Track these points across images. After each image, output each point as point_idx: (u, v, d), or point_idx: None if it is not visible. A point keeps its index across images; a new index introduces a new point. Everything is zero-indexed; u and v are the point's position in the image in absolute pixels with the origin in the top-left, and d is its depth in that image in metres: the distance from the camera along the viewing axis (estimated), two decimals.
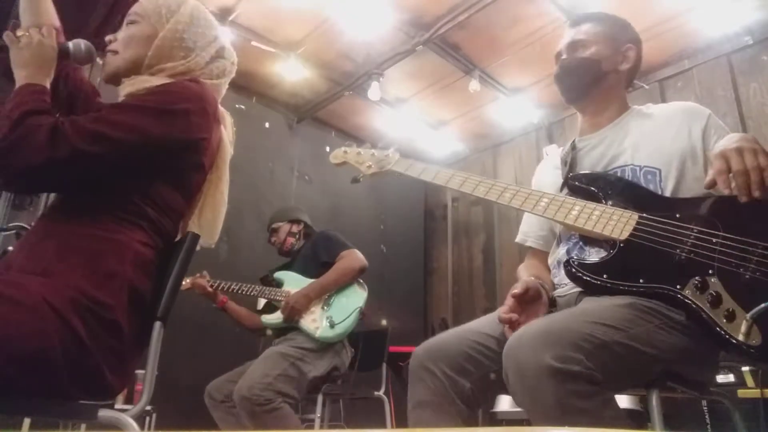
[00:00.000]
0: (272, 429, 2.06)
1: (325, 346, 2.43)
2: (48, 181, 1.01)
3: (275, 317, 2.51)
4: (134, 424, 0.91)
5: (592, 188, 1.22)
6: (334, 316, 2.47)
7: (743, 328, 0.93)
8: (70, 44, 1.17)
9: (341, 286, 2.60)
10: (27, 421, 1.74)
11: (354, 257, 2.64)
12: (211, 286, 2.68)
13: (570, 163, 1.33)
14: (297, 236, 2.87)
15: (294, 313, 2.45)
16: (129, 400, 2.53)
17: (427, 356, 1.13)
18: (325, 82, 4.23)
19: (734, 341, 0.94)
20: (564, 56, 1.37)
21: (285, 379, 2.26)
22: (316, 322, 2.45)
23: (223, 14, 3.34)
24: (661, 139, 1.24)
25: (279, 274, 2.74)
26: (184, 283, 2.61)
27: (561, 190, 1.29)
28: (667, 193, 1.18)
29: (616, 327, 0.96)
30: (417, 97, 4.41)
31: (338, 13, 3.40)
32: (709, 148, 1.19)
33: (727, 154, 1.02)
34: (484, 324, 1.18)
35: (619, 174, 1.24)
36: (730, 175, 1.01)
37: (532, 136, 4.66)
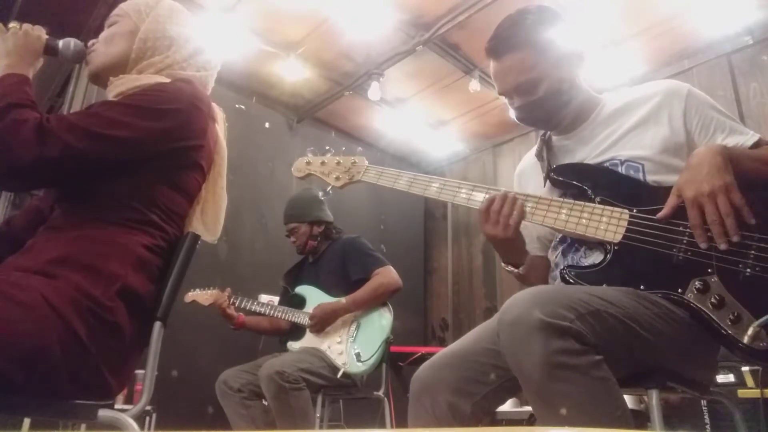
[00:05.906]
0: (294, 407, 2.13)
1: None
2: (40, 179, 1.00)
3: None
4: (134, 424, 0.91)
5: (576, 182, 1.19)
6: (362, 350, 2.39)
7: (750, 331, 0.93)
8: (60, 42, 1.17)
9: (371, 307, 2.49)
10: (27, 421, 1.74)
11: (390, 276, 2.51)
12: (232, 303, 2.55)
13: (547, 158, 1.30)
14: (318, 238, 2.69)
15: (320, 327, 2.43)
16: (129, 400, 2.53)
17: (429, 382, 1.13)
18: (325, 82, 4.22)
19: (741, 345, 0.94)
20: (518, 103, 1.24)
21: (315, 373, 2.29)
22: (343, 356, 2.39)
23: (223, 14, 3.34)
24: (641, 131, 1.19)
25: (301, 290, 2.63)
26: (205, 298, 2.55)
27: (544, 185, 1.27)
28: None
29: (613, 303, 0.96)
30: (417, 97, 4.40)
31: (338, 13, 3.40)
32: (691, 132, 1.17)
33: (700, 201, 1.00)
34: (483, 336, 1.15)
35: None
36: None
37: (532, 136, 4.66)
